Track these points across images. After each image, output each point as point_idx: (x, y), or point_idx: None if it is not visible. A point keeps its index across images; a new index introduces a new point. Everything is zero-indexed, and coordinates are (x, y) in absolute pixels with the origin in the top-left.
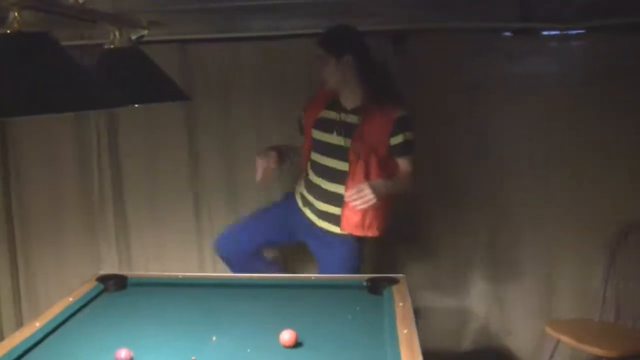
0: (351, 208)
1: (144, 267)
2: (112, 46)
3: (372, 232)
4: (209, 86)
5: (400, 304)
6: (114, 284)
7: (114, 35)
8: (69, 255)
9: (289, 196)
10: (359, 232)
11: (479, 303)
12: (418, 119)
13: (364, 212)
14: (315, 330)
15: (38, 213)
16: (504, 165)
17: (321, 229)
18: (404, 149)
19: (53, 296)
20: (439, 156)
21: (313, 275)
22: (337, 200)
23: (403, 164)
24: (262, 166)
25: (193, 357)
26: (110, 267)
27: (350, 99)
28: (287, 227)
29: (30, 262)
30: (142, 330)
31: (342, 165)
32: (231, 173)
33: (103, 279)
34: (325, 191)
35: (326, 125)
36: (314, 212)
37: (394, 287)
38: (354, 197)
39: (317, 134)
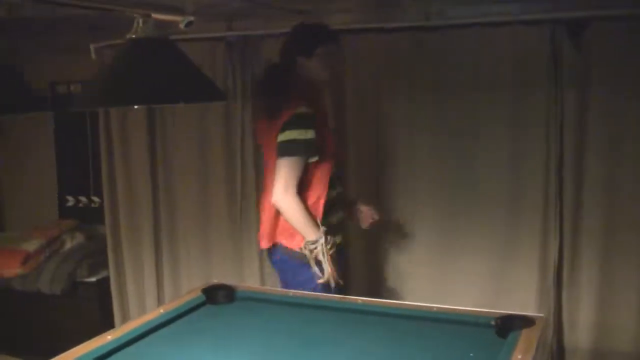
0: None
1: None
2: (133, 36)
3: None
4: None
5: (520, 356)
6: (222, 295)
7: (137, 23)
8: (212, 258)
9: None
10: None
11: None
12: (590, 122)
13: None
14: None
15: (185, 217)
16: None
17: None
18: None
19: None
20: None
21: (435, 306)
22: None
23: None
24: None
25: None
26: (251, 279)
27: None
28: None
29: (177, 272)
30: (216, 354)
31: None
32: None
33: (210, 290)
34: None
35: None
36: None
37: (525, 331)
38: None
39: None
